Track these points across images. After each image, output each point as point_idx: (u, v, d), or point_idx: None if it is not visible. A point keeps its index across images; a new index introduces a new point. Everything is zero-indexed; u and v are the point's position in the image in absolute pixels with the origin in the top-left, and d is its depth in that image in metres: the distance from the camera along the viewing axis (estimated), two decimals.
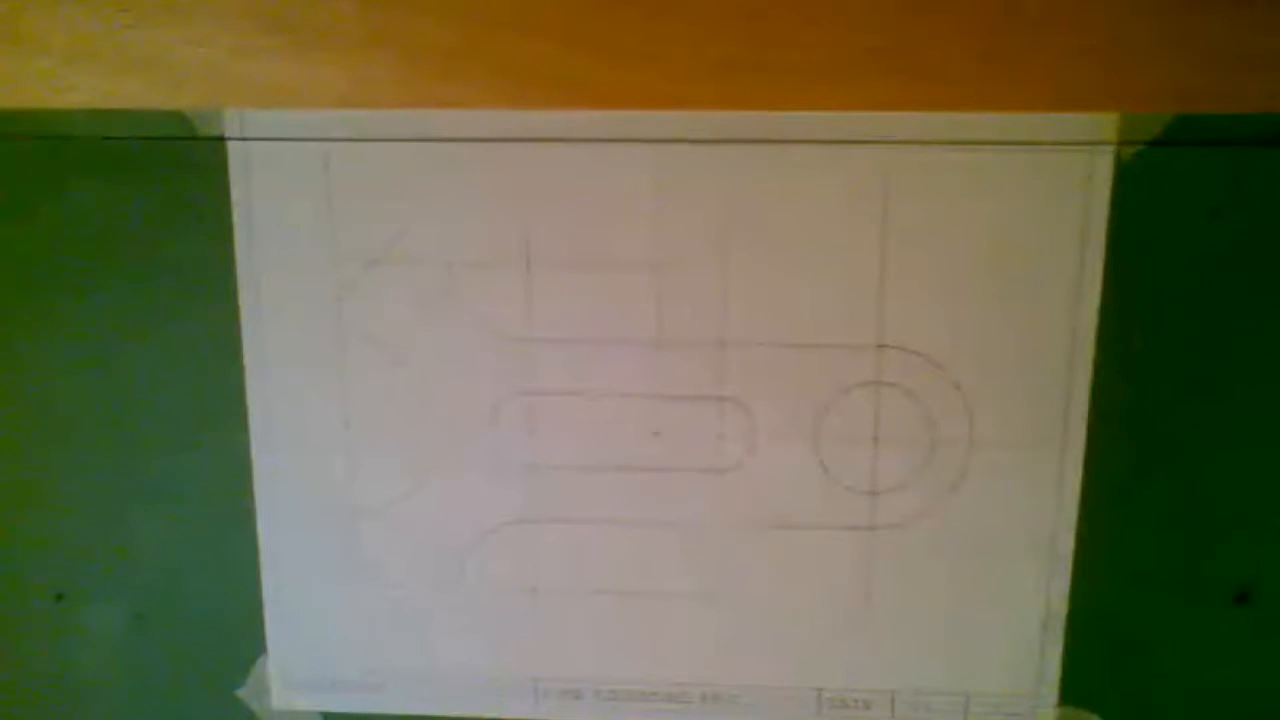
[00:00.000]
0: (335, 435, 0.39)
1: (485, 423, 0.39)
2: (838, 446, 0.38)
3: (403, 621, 0.41)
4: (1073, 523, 0.38)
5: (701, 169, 0.36)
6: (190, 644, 0.42)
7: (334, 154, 0.37)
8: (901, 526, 0.39)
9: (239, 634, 0.41)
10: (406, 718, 0.42)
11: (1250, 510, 0.38)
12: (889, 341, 0.37)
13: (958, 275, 0.36)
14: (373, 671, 0.42)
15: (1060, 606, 0.39)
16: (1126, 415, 0.37)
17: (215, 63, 0.36)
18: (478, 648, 0.41)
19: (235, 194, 0.37)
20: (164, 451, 0.40)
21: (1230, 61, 0.34)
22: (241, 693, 0.42)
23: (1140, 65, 0.34)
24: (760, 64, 0.35)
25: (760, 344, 0.38)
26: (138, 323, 0.39)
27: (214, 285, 0.38)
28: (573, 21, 0.35)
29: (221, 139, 0.37)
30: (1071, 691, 0.40)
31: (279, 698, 0.42)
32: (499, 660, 0.41)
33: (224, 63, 0.36)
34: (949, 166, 0.36)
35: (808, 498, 0.39)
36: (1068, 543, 0.38)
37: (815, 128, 0.36)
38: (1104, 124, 0.35)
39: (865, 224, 0.36)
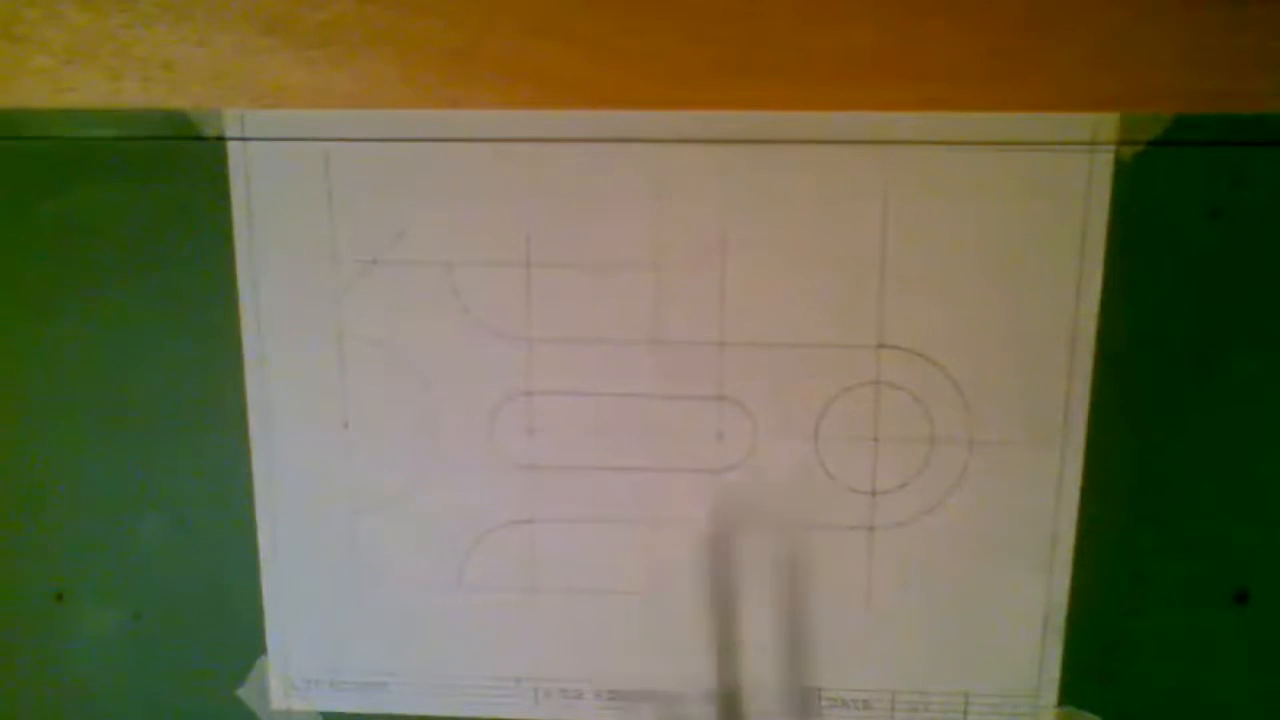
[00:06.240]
0: (335, 435, 0.39)
1: (485, 423, 0.39)
2: (838, 446, 0.38)
3: (402, 621, 0.41)
4: (1073, 523, 0.38)
5: (701, 169, 0.36)
6: (190, 644, 0.42)
7: (334, 154, 0.37)
8: (901, 526, 0.39)
9: (239, 634, 0.41)
10: (406, 718, 0.42)
11: (1250, 510, 0.38)
12: (889, 341, 0.37)
13: (958, 275, 0.36)
14: (372, 671, 0.42)
15: (1060, 606, 0.39)
16: (1126, 415, 0.37)
17: (215, 63, 0.36)
18: (478, 648, 0.41)
19: (235, 194, 0.37)
20: (164, 451, 0.40)
21: (1230, 61, 0.34)
22: (241, 693, 0.42)
23: (1140, 65, 0.34)
24: (760, 64, 0.35)
25: (760, 344, 0.38)
26: (138, 322, 0.39)
27: (214, 285, 0.38)
28: (573, 22, 0.35)
29: (221, 139, 0.37)
30: (1071, 691, 0.40)
31: (279, 698, 0.42)
32: (499, 660, 0.41)
33: (224, 63, 0.36)
34: (949, 166, 0.36)
35: (808, 498, 0.39)
36: (1068, 543, 0.38)
37: (815, 128, 0.36)
38: (1104, 124, 0.35)
39: (865, 224, 0.36)
